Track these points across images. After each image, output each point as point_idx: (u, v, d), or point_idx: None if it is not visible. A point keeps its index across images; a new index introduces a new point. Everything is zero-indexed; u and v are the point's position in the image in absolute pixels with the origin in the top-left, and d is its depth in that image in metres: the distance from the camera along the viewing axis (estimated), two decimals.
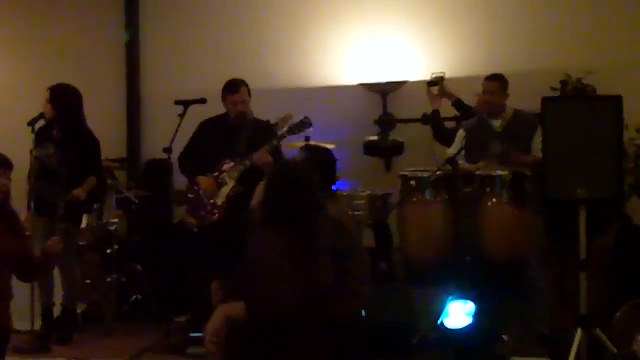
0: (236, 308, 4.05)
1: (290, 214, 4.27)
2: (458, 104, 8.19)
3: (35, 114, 7.49)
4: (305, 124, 7.27)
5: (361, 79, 9.21)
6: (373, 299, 5.14)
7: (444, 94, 8.22)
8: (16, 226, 5.41)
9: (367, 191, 8.13)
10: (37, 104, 7.56)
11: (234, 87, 7.30)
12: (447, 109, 8.29)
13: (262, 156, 7.06)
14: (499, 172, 7.02)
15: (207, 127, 7.45)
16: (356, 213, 7.90)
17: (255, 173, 7.02)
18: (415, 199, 7.45)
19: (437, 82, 8.24)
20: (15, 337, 7.62)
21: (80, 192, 7.49)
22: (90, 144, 7.68)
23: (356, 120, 9.19)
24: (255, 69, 8.38)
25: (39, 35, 9.78)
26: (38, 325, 7.49)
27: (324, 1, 9.40)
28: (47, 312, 7.62)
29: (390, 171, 9.05)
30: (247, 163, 7.11)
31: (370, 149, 8.99)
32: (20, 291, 7.42)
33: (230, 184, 7.13)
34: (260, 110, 7.49)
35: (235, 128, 7.29)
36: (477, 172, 7.12)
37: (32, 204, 7.33)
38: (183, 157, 7.40)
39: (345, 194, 8.15)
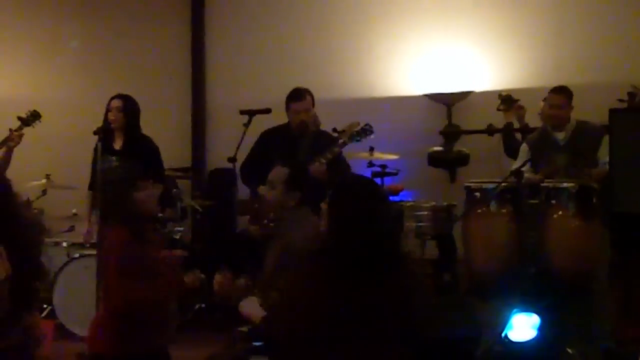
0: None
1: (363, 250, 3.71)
2: (508, 127, 8.04)
3: (100, 122, 7.50)
4: (366, 131, 7.21)
5: (426, 90, 9.18)
6: (436, 311, 5.09)
7: (509, 112, 8.09)
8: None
9: (431, 202, 8.10)
10: (102, 113, 7.59)
11: (298, 95, 7.29)
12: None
13: (318, 166, 7.03)
14: (565, 184, 6.94)
15: (268, 137, 7.45)
16: (420, 224, 7.87)
17: (313, 183, 7.02)
18: (479, 211, 7.37)
19: (504, 100, 8.10)
20: (80, 343, 7.74)
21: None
22: (153, 151, 7.70)
23: (421, 130, 9.17)
24: (320, 79, 8.38)
25: (105, 47, 9.89)
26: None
27: (389, 12, 9.38)
28: None
29: (454, 182, 9.00)
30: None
31: (434, 159, 8.95)
32: (86, 298, 7.53)
33: None
34: (324, 120, 7.48)
35: (297, 137, 7.28)
36: (543, 184, 7.04)
37: (97, 216, 7.36)
38: (244, 167, 7.40)
39: (408, 204, 8.13)
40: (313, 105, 7.31)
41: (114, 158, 7.47)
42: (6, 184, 4.09)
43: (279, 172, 5.62)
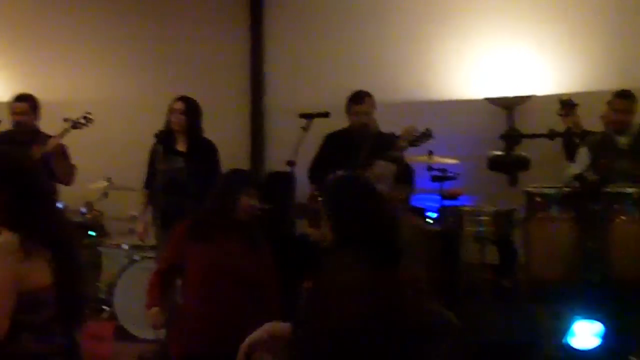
0: (283, 327, 3.88)
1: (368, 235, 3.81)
2: (569, 132, 7.94)
3: (160, 125, 7.52)
4: (426, 135, 7.20)
5: (486, 93, 9.12)
6: (496, 317, 5.06)
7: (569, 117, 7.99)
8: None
9: (491, 207, 8.03)
10: (163, 115, 7.62)
11: (359, 98, 7.29)
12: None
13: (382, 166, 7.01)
14: (628, 189, 6.85)
15: (332, 140, 7.46)
16: (480, 229, 7.81)
17: None
18: (540, 216, 7.31)
19: (564, 104, 7.99)
20: (141, 345, 7.80)
21: None
22: (214, 154, 7.71)
23: (481, 134, 9.09)
24: (380, 82, 8.35)
25: (165, 49, 9.93)
26: (163, 334, 7.57)
27: (449, 14, 9.33)
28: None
29: (515, 187, 8.91)
30: (370, 174, 7.06)
31: (494, 164, 8.86)
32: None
33: None
34: (384, 123, 7.46)
35: (358, 140, 7.26)
36: (605, 190, 6.96)
37: (157, 217, 7.37)
38: (315, 169, 7.41)
39: (468, 209, 8.07)
40: (374, 108, 7.30)
41: (179, 159, 7.49)
42: (52, 189, 4.08)
43: (385, 167, 5.65)
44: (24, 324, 3.61)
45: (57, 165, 7.42)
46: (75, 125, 7.49)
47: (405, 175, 5.57)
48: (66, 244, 3.82)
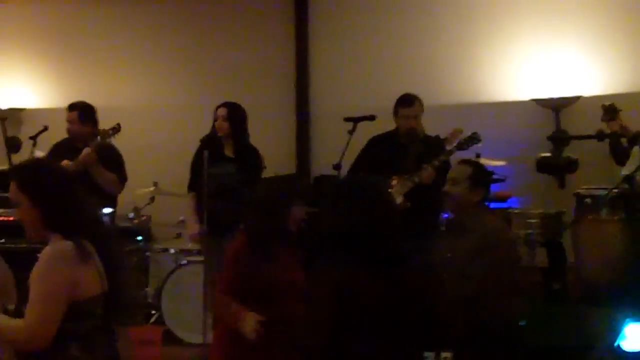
0: None
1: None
2: (615, 135, 7.84)
3: (206, 131, 7.56)
4: (473, 139, 7.14)
5: (533, 94, 9.05)
6: (546, 319, 5.02)
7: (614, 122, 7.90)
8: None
9: (540, 209, 7.97)
10: (209, 120, 7.65)
11: (408, 101, 7.26)
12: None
13: (428, 172, 6.98)
14: None
15: (377, 143, 7.42)
16: (528, 231, 7.76)
17: (422, 189, 6.98)
18: (590, 217, 7.25)
19: (607, 110, 7.89)
20: (188, 349, 7.84)
21: None
22: (260, 161, 7.73)
23: (528, 136, 9.04)
24: (426, 85, 8.30)
25: (211, 55, 9.97)
26: (210, 338, 7.58)
27: (495, 16, 9.28)
28: None
29: (563, 188, 8.83)
30: (415, 179, 7.03)
31: (542, 165, 8.80)
32: (194, 305, 7.61)
33: (398, 200, 7.06)
34: (430, 126, 7.41)
35: (405, 144, 7.23)
36: None
37: (204, 222, 7.38)
38: (352, 171, 7.38)
39: (517, 211, 8.03)
40: (422, 111, 7.27)
41: (230, 164, 7.50)
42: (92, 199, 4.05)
43: (461, 169, 5.57)
44: (69, 332, 3.64)
45: (94, 175, 7.42)
46: (104, 136, 7.48)
47: (481, 177, 5.49)
48: (114, 251, 3.86)
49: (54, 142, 7.88)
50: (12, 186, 3.78)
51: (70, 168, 7.30)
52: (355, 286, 3.81)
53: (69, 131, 7.71)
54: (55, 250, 3.65)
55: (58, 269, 3.60)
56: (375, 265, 3.86)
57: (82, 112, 7.74)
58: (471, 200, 5.39)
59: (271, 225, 5.04)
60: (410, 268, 3.97)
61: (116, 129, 7.52)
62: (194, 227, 7.65)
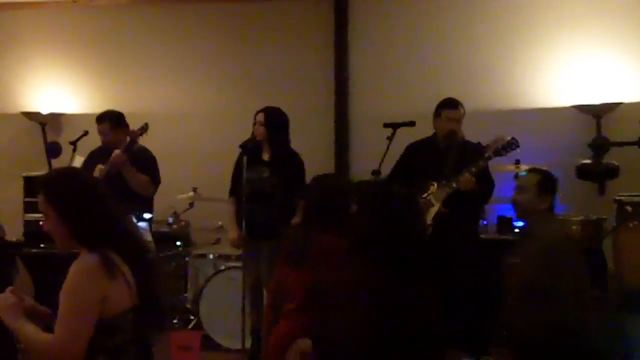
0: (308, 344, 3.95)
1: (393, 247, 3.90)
2: None
3: (245, 136, 7.58)
4: (511, 144, 7.11)
5: (574, 101, 8.99)
6: (585, 326, 4.99)
7: None
8: None
9: (580, 216, 7.92)
10: (249, 126, 7.68)
11: (453, 104, 7.25)
12: None
13: (466, 178, 6.96)
14: None
15: (415, 149, 7.42)
16: None
17: (460, 196, 6.96)
18: (631, 224, 7.20)
19: None
20: (226, 355, 7.85)
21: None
22: (301, 167, 7.74)
23: (568, 142, 8.99)
24: (466, 91, 8.27)
25: (250, 59, 9.98)
26: (249, 344, 7.59)
27: (535, 22, 9.23)
28: (256, 332, 7.72)
29: (604, 195, 8.78)
30: (453, 185, 7.02)
31: (583, 172, 8.73)
32: (232, 310, 7.62)
33: (436, 205, 7.05)
34: (470, 132, 7.40)
35: (443, 149, 7.22)
36: None
37: (243, 226, 7.41)
38: (390, 179, 7.37)
39: (559, 217, 7.97)
40: (463, 116, 7.26)
41: (265, 169, 7.54)
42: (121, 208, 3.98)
43: (529, 176, 5.69)
44: (98, 347, 3.62)
45: (127, 176, 7.49)
46: (133, 136, 7.54)
47: (548, 185, 5.59)
48: (146, 264, 3.84)
49: (94, 146, 7.95)
50: (40, 197, 3.76)
51: (102, 171, 7.39)
52: (383, 293, 3.80)
53: (103, 142, 7.79)
54: (81, 265, 3.62)
55: (86, 284, 3.58)
56: (398, 272, 3.83)
57: (111, 121, 7.81)
58: (538, 207, 5.51)
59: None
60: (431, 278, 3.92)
61: (144, 129, 7.57)
62: (233, 232, 7.69)
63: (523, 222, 6.03)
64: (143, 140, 7.57)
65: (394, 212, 3.96)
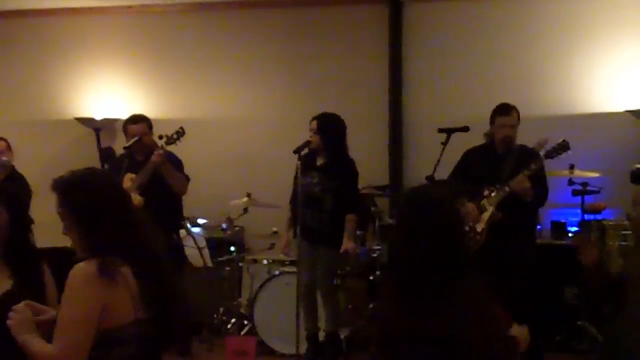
0: None
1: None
2: None
3: (301, 142, 7.59)
4: (562, 147, 7.06)
5: (628, 106, 8.93)
6: None
7: None
8: None
9: None
10: (304, 132, 7.71)
11: (505, 109, 7.23)
12: None
13: (519, 182, 6.93)
14: None
15: (472, 155, 7.40)
16: (623, 243, 7.65)
17: (515, 200, 6.93)
18: None
19: None
20: None
21: (349, 245, 7.65)
22: (352, 173, 7.77)
23: (622, 147, 8.92)
24: (520, 97, 8.22)
25: (306, 66, 9.98)
26: (303, 349, 7.61)
27: (590, 26, 9.17)
28: (311, 337, 7.76)
29: None
30: (506, 189, 6.99)
31: (637, 177, 8.66)
32: (286, 315, 7.65)
33: (490, 210, 7.02)
34: (525, 138, 7.35)
35: (501, 155, 7.20)
36: None
37: (297, 229, 7.46)
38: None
39: (611, 223, 7.93)
40: (518, 122, 7.23)
41: (315, 173, 7.60)
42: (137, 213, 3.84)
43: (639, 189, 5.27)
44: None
45: (166, 175, 7.57)
46: (169, 141, 7.59)
47: None
48: (157, 276, 3.64)
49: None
50: (56, 199, 3.63)
51: (138, 178, 7.47)
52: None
53: (141, 143, 7.76)
54: (78, 272, 3.47)
55: (83, 292, 3.43)
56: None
57: (148, 122, 7.91)
58: None
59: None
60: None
61: (180, 133, 7.65)
62: (281, 240, 7.82)
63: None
64: (192, 146, 7.63)
65: (423, 219, 3.70)
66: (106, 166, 9.58)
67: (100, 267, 3.43)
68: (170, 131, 7.68)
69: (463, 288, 3.61)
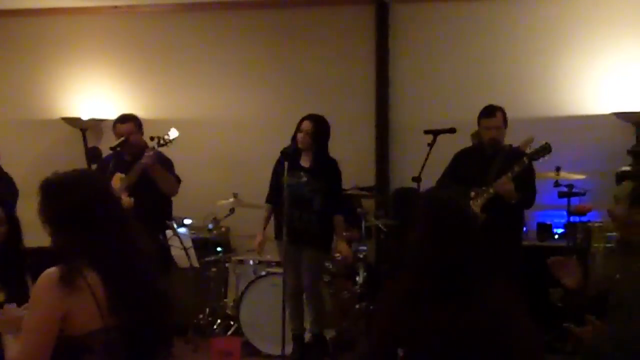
0: None
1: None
2: None
3: (286, 143, 7.60)
4: (544, 149, 7.06)
5: (614, 108, 8.95)
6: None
7: None
8: None
9: None
10: (290, 133, 7.71)
11: (489, 111, 7.24)
12: None
13: (502, 184, 6.94)
14: None
15: (462, 156, 7.42)
16: (609, 245, 7.68)
17: (500, 202, 6.94)
18: None
19: None
20: None
21: (347, 252, 7.71)
22: (338, 173, 7.77)
23: (609, 150, 8.95)
24: (506, 98, 8.21)
25: (291, 67, 9.99)
26: (289, 350, 7.60)
27: (576, 29, 9.20)
28: (297, 338, 7.76)
29: None
30: (491, 191, 7.01)
31: (622, 179, 8.69)
32: (272, 316, 7.65)
33: (476, 212, 7.03)
34: (511, 139, 7.37)
35: (489, 155, 7.21)
36: None
37: (282, 230, 7.45)
38: (440, 187, 7.36)
39: (597, 225, 7.96)
40: (505, 123, 7.23)
41: (303, 174, 7.58)
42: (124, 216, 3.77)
43: (623, 186, 5.24)
44: None
45: (157, 177, 7.48)
46: (160, 143, 7.54)
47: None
48: (133, 284, 3.55)
49: None
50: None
51: (126, 180, 7.41)
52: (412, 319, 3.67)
53: (127, 143, 7.67)
54: (42, 278, 3.42)
55: (44, 298, 3.38)
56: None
57: (136, 121, 7.82)
58: (634, 218, 4.96)
59: None
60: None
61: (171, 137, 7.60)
62: (257, 238, 7.82)
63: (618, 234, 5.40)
64: (179, 146, 7.60)
65: (445, 224, 3.77)
66: (94, 166, 9.56)
67: (61, 274, 3.37)
68: (156, 132, 7.60)
69: (496, 285, 3.69)
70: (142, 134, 7.81)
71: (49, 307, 3.36)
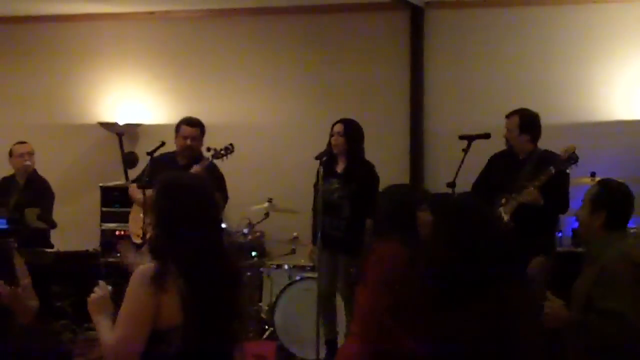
0: None
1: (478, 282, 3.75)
2: None
3: (321, 148, 7.63)
4: (570, 159, 6.99)
5: None
6: None
7: None
8: None
9: None
10: (324, 138, 7.73)
11: (508, 114, 7.29)
12: None
13: (528, 194, 6.91)
14: None
15: (495, 161, 7.41)
16: None
17: (528, 209, 6.91)
18: None
19: None
20: None
21: None
22: (374, 178, 7.76)
23: None
24: (541, 104, 8.16)
25: (326, 72, 10.01)
26: (323, 354, 7.62)
27: (611, 35, 9.16)
28: (330, 342, 7.76)
29: None
30: (519, 199, 6.98)
31: None
32: (307, 320, 7.66)
33: (505, 218, 7.02)
34: (545, 145, 7.35)
35: (522, 160, 7.20)
36: None
37: (318, 237, 7.46)
38: (473, 191, 7.36)
39: (634, 230, 7.91)
40: (521, 128, 7.21)
41: (334, 180, 7.60)
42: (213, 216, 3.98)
43: (590, 190, 4.87)
44: (150, 356, 3.63)
45: None
46: (217, 155, 7.56)
47: (603, 199, 4.70)
48: (203, 284, 3.68)
49: None
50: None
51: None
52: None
53: (185, 147, 7.74)
54: (138, 273, 3.65)
55: (140, 291, 3.58)
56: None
57: (202, 128, 7.85)
58: (592, 225, 4.70)
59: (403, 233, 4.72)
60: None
61: (229, 150, 7.63)
62: (309, 244, 7.84)
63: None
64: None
65: (468, 230, 3.86)
66: (129, 171, 9.63)
67: (155, 272, 3.60)
68: None
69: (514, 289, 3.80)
70: (202, 143, 7.83)
71: (144, 301, 3.59)
